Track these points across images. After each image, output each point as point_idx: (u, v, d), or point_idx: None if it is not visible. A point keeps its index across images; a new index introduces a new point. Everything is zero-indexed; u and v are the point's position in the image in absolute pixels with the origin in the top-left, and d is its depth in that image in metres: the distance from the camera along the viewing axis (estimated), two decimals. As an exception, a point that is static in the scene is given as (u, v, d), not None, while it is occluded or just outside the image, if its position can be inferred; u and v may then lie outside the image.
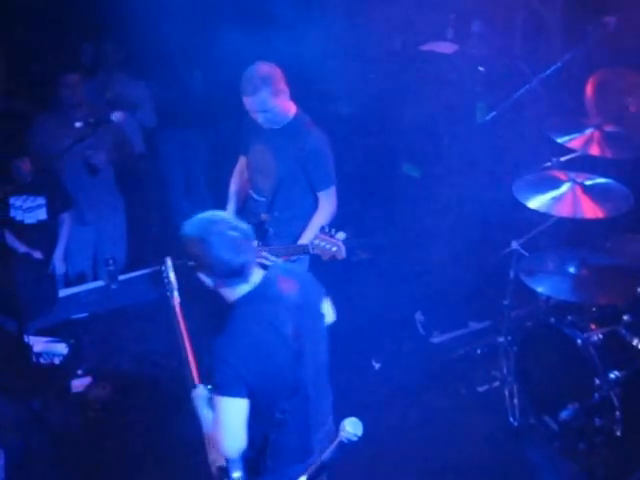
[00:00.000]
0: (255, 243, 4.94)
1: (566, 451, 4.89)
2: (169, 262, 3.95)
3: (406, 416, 5.12)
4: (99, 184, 6.52)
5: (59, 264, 6.36)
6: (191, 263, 3.29)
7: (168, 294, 3.86)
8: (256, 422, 3.27)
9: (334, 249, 4.29)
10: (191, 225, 3.29)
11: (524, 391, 5.18)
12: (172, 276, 3.90)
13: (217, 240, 3.20)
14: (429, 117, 5.95)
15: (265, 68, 4.83)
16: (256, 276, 3.33)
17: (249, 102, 4.81)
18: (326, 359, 3.52)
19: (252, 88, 4.76)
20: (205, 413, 3.37)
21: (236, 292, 3.31)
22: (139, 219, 6.92)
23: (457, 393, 5.41)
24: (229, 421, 3.23)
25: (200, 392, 3.45)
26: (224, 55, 6.27)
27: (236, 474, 3.22)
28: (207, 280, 3.31)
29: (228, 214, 3.38)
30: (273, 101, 4.81)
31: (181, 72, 6.80)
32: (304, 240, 4.81)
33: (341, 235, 4.30)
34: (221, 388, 3.22)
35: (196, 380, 3.54)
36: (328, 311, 3.65)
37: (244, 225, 3.31)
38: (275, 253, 4.63)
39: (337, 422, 2.95)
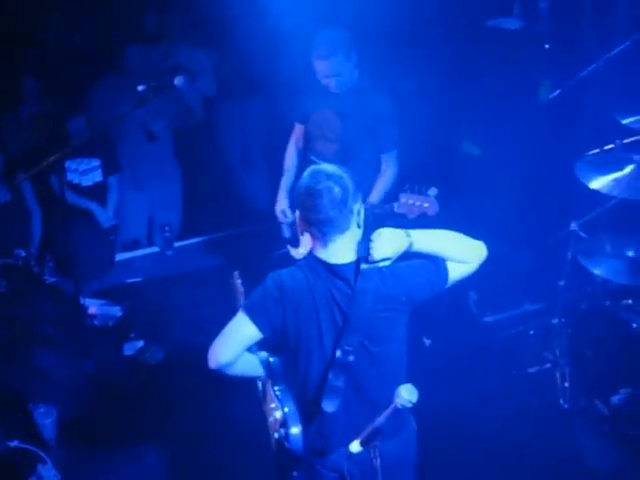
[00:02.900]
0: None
1: (616, 436, 4.85)
2: None
3: (455, 394, 5.09)
4: (156, 151, 6.58)
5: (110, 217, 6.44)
6: None
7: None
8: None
9: (426, 205, 4.22)
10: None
11: (576, 374, 5.14)
12: None
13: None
14: (491, 94, 5.90)
15: (338, 32, 4.82)
16: (341, 255, 3.23)
17: (323, 66, 4.78)
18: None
19: (327, 52, 4.74)
20: None
21: (314, 249, 3.25)
22: (195, 187, 6.94)
23: (508, 373, 5.37)
24: (234, 332, 3.22)
25: None
26: (286, 26, 6.27)
27: (294, 429, 3.29)
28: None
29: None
30: (346, 65, 4.80)
31: (241, 43, 6.80)
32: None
33: (433, 191, 4.24)
34: (247, 306, 3.22)
35: None
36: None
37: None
38: None
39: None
